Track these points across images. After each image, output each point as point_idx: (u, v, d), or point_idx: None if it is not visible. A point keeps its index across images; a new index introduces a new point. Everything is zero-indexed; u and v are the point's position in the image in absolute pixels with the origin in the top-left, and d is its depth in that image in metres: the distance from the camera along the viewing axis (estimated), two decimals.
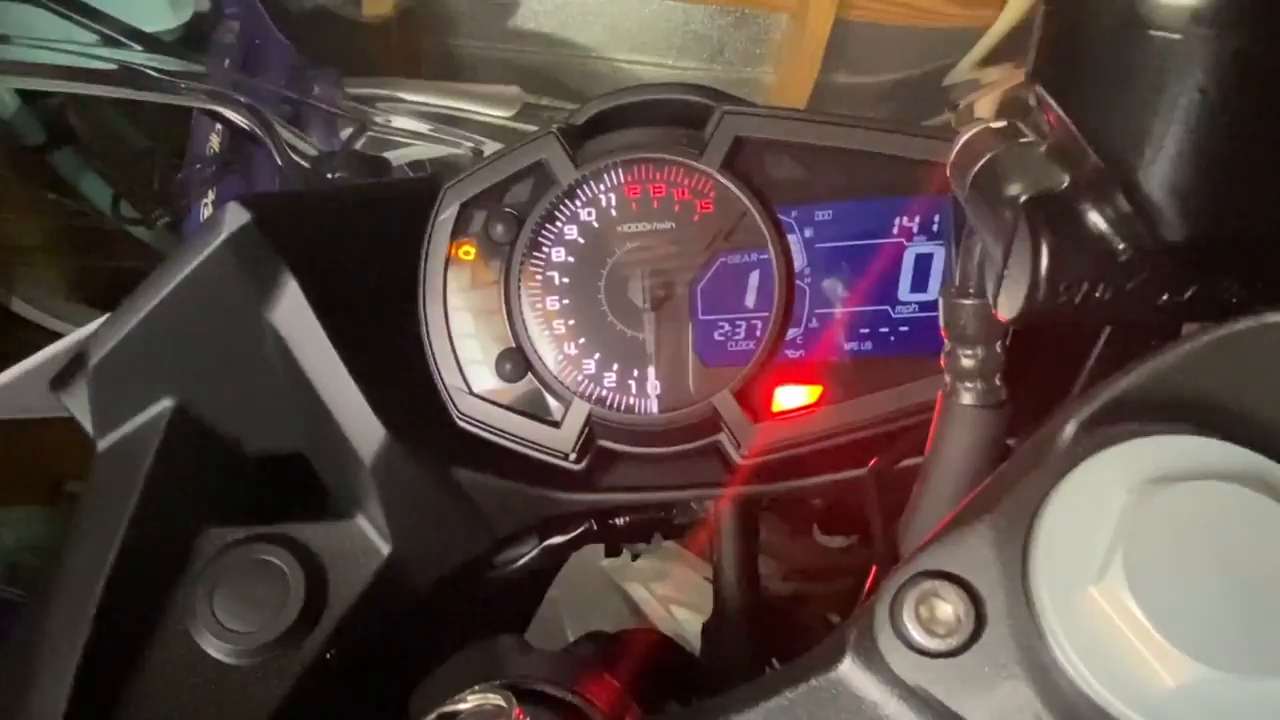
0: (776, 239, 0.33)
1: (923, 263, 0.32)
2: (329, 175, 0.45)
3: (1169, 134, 0.14)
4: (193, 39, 0.96)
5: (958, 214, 0.23)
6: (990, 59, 1.43)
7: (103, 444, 0.35)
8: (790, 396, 0.33)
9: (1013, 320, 0.18)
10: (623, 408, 0.34)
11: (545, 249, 0.34)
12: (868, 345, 0.33)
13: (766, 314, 0.33)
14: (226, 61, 0.79)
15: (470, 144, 0.50)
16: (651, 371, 0.33)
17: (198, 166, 1.05)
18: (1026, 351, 0.24)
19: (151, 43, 0.46)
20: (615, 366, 0.34)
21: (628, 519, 0.40)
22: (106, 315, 0.38)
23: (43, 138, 1.28)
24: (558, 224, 0.34)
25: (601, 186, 0.33)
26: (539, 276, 0.34)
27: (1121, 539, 0.14)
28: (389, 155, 0.69)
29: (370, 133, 0.49)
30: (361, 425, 0.33)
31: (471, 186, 0.34)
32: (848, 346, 0.33)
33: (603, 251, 0.34)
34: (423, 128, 0.47)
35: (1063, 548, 0.15)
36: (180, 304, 0.32)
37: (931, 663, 0.15)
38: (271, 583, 0.33)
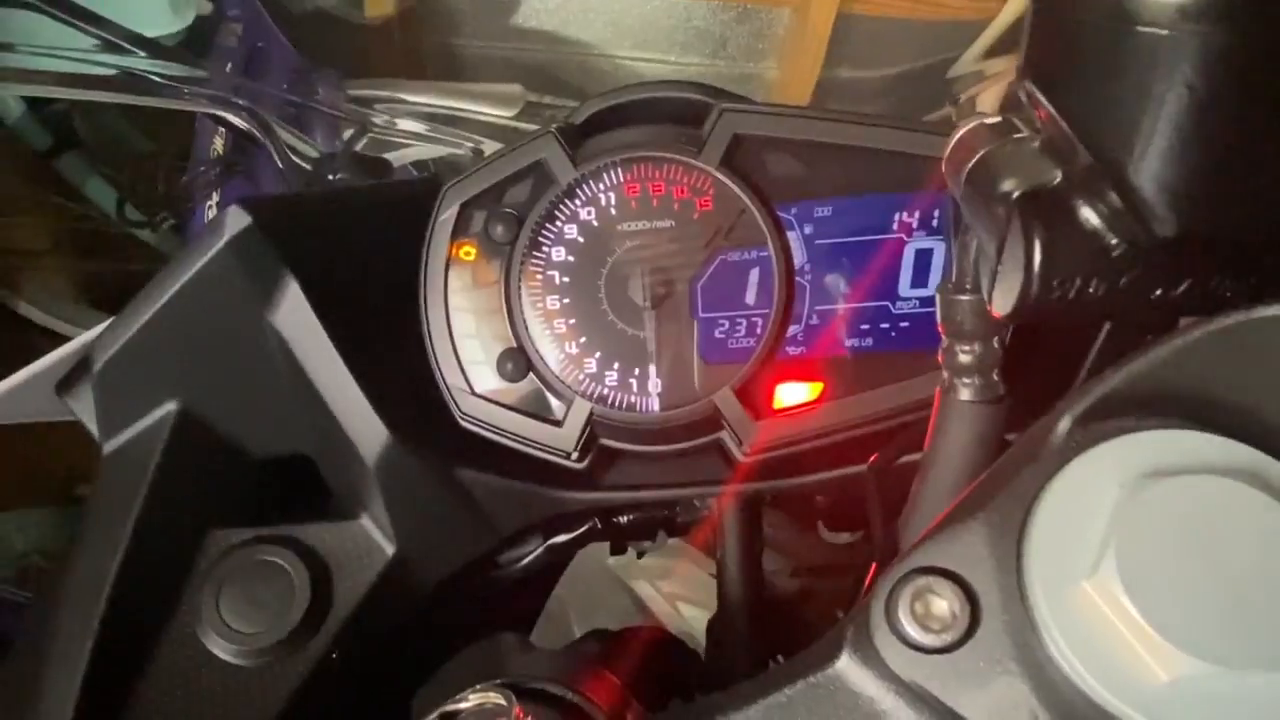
0: (776, 236, 0.33)
1: (923, 258, 0.32)
2: (330, 177, 0.45)
3: (1158, 130, 0.14)
4: (195, 42, 0.97)
5: (955, 209, 0.23)
6: (994, 51, 1.43)
7: (108, 447, 0.35)
8: (791, 393, 0.33)
9: (1008, 316, 0.18)
10: (624, 406, 0.34)
11: (545, 248, 0.34)
12: (869, 341, 0.33)
13: (767, 311, 0.33)
14: (228, 65, 0.79)
15: (471, 144, 0.50)
16: (653, 370, 0.33)
17: (202, 169, 1.05)
18: (1027, 347, 0.24)
19: (153, 47, 0.46)
20: (616, 365, 0.34)
21: (631, 517, 0.40)
22: (110, 319, 0.38)
23: (49, 142, 1.29)
24: (557, 223, 0.34)
25: (601, 185, 0.33)
26: (539, 276, 0.34)
27: (1114, 534, 0.14)
28: (390, 156, 0.69)
29: (371, 134, 0.49)
30: (364, 426, 0.33)
31: (471, 186, 0.34)
32: (848, 343, 0.33)
33: (603, 250, 0.34)
34: (423, 128, 0.47)
35: (1056, 543, 0.15)
36: (183, 307, 0.32)
37: (927, 659, 0.15)
38: (276, 584, 0.33)
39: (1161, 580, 0.14)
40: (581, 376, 0.34)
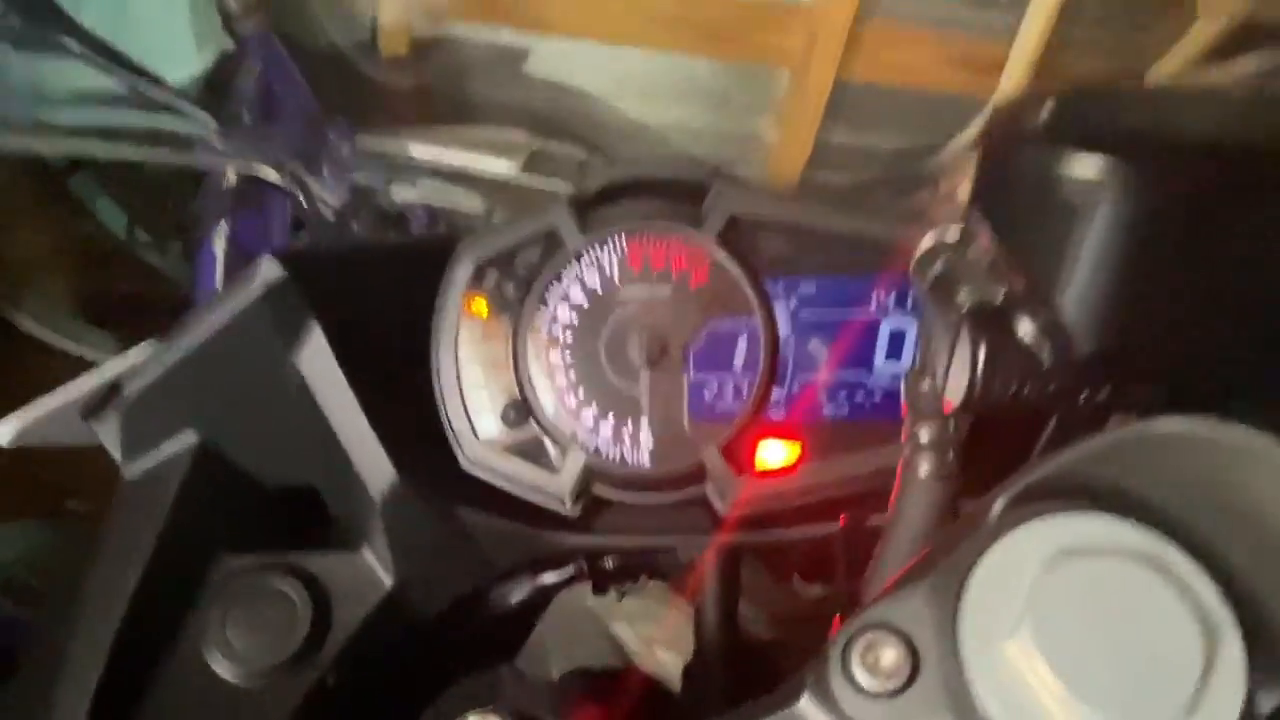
0: (764, 308, 0.36)
1: (896, 335, 0.35)
2: (353, 226, 0.48)
3: (1077, 269, 0.17)
4: (217, 81, 1.00)
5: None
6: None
7: (129, 472, 0.37)
8: (772, 453, 0.36)
9: (958, 408, 0.21)
10: (617, 458, 0.36)
11: (552, 308, 0.37)
12: (845, 409, 0.36)
13: (753, 376, 0.36)
14: (245, 113, 0.82)
15: (479, 200, 0.53)
16: (645, 425, 0.36)
17: (213, 197, 1.08)
18: (986, 430, 0.27)
19: (182, 102, 0.49)
20: (611, 419, 0.36)
21: (617, 561, 0.43)
22: (134, 349, 0.41)
23: (64, 160, 1.32)
24: (564, 285, 0.37)
25: (606, 253, 0.36)
26: (545, 333, 0.36)
27: (1033, 602, 0.17)
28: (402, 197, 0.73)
29: (383, 190, 0.52)
30: (373, 465, 0.36)
31: (486, 246, 0.37)
32: (827, 409, 0.36)
33: (604, 312, 0.37)
34: (431, 185, 0.50)
35: (985, 608, 0.17)
36: (214, 347, 0.35)
37: (874, 702, 0.18)
38: (280, 609, 0.35)
39: (1070, 644, 0.16)
40: (578, 428, 0.36)
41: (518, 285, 0.37)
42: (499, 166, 0.92)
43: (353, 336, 0.36)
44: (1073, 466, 0.18)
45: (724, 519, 0.36)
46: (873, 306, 0.35)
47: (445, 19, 1.50)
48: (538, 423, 0.37)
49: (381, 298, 0.39)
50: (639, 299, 0.36)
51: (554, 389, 0.37)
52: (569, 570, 0.43)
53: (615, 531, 0.38)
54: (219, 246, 1.08)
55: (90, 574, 0.36)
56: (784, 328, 0.36)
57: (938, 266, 0.21)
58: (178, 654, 0.35)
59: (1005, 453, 0.29)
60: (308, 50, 1.27)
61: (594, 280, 0.37)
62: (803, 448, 0.36)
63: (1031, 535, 0.17)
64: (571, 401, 0.36)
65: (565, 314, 0.37)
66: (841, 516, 0.34)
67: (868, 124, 1.66)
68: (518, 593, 0.43)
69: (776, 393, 0.36)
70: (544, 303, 0.37)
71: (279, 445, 0.37)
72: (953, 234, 0.22)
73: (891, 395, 0.35)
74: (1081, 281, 0.16)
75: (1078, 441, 0.18)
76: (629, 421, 0.36)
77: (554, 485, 0.36)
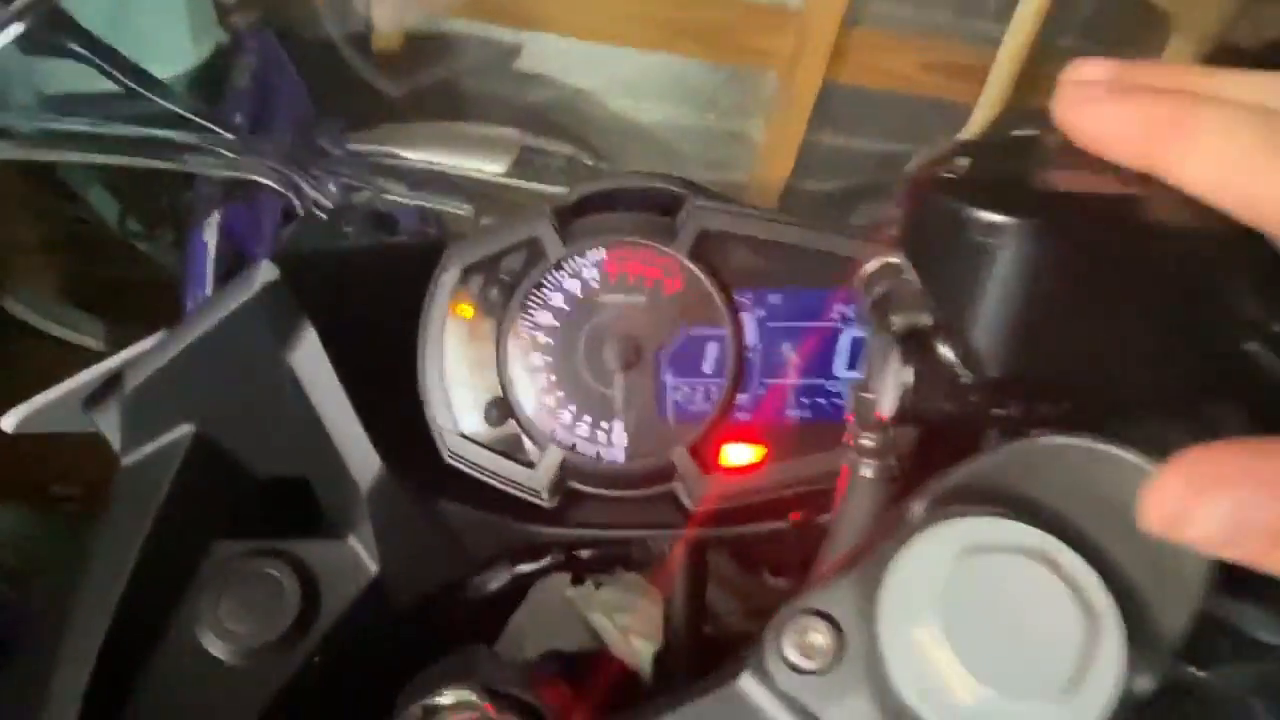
0: (732, 317, 0.38)
1: (856, 344, 0.38)
2: (346, 229, 0.50)
3: (983, 305, 0.19)
4: (212, 74, 1.02)
5: None
6: None
7: (127, 460, 0.39)
8: (738, 453, 0.38)
9: (890, 419, 0.23)
10: (592, 455, 0.38)
11: (533, 312, 0.39)
12: (808, 412, 0.38)
13: (721, 380, 0.38)
14: (240, 107, 0.84)
15: (467, 207, 0.54)
16: (619, 424, 0.38)
17: (205, 189, 1.09)
18: (936, 437, 0.30)
19: (175, 101, 0.51)
20: (587, 418, 0.38)
21: (592, 552, 0.45)
22: (136, 344, 0.43)
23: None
24: (545, 292, 0.39)
25: (585, 262, 0.39)
26: (526, 336, 0.39)
27: (940, 593, 0.19)
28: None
29: (373, 193, 0.54)
30: (360, 457, 0.38)
31: (472, 252, 0.39)
32: (790, 412, 0.38)
33: (583, 317, 0.39)
34: (425, 195, 0.52)
35: (901, 597, 0.19)
36: (211, 344, 0.37)
37: (805, 679, 0.20)
38: (270, 592, 0.37)
39: (970, 629, 0.19)
40: (556, 426, 0.39)
41: (501, 290, 0.39)
42: (488, 165, 0.93)
43: (344, 335, 0.38)
44: (978, 475, 0.21)
45: (692, 514, 0.38)
46: (834, 317, 0.38)
47: (439, 15, 1.51)
48: (518, 420, 0.39)
49: (371, 298, 0.41)
50: (615, 306, 0.38)
51: (534, 388, 0.39)
52: (546, 560, 0.45)
53: (590, 524, 0.40)
54: (210, 236, 1.09)
55: (88, 557, 0.38)
56: (751, 336, 0.38)
57: (878, 289, 0.24)
58: (172, 633, 0.37)
59: (954, 458, 0.31)
60: (302, 43, 1.28)
61: (574, 287, 0.39)
62: (767, 448, 0.38)
63: (942, 534, 0.20)
64: (550, 401, 0.39)
65: (546, 318, 0.39)
66: (793, 514, 0.36)
67: (855, 127, 1.68)
68: (497, 581, 0.45)
69: (743, 396, 0.38)
70: (526, 307, 0.39)
71: (272, 438, 0.39)
72: (894, 259, 0.24)
73: None
74: (987, 315, 0.19)
75: (981, 454, 0.21)
76: (604, 421, 0.38)
77: (532, 479, 0.38)
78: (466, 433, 0.39)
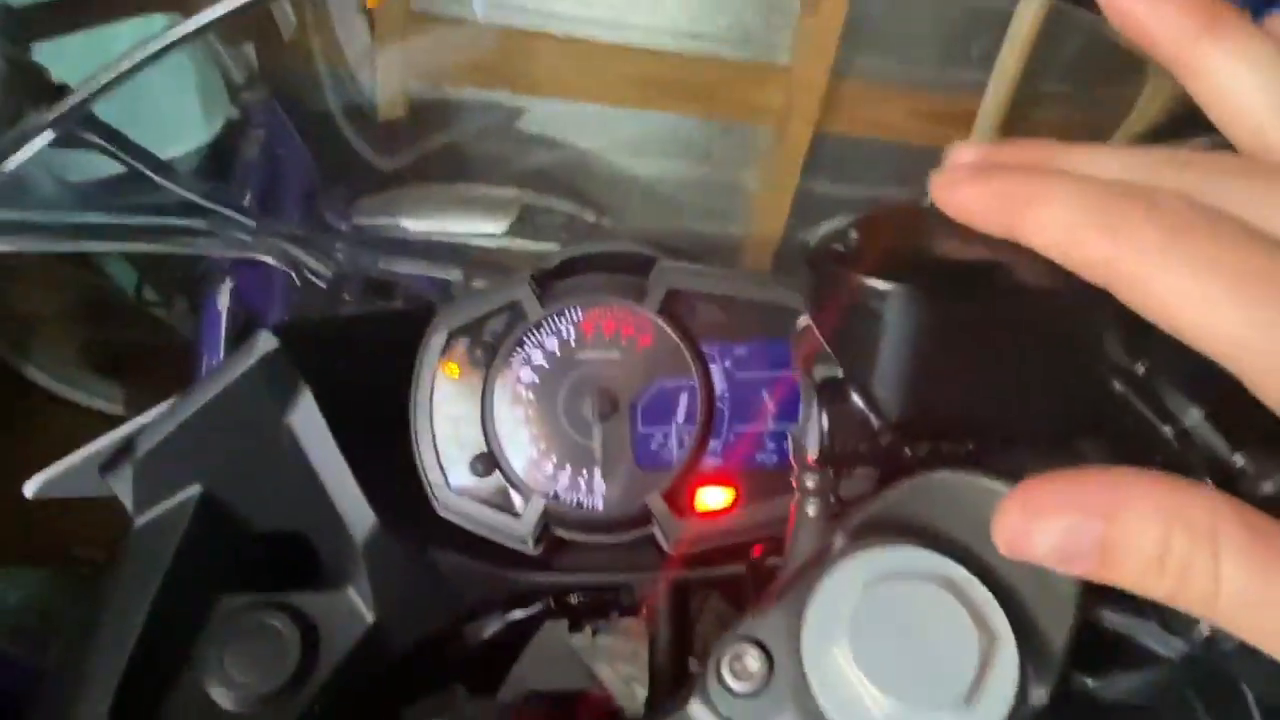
0: (701, 370, 0.40)
1: None
2: (345, 296, 0.53)
3: (877, 360, 0.22)
4: (222, 148, 1.07)
5: None
6: None
7: (139, 521, 0.42)
8: (711, 497, 0.40)
9: (816, 462, 0.26)
10: (574, 503, 0.41)
11: (515, 370, 0.41)
12: (774, 457, 0.41)
13: (692, 428, 0.40)
14: (248, 181, 0.88)
15: (456, 273, 0.57)
16: (598, 473, 0.41)
17: (218, 257, 1.14)
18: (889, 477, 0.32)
19: (187, 183, 0.54)
20: (568, 468, 0.41)
21: (581, 598, 0.47)
22: (151, 410, 0.45)
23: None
24: (527, 350, 0.42)
25: (563, 322, 0.41)
26: (509, 392, 0.41)
27: (853, 617, 0.21)
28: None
29: (373, 261, 0.57)
30: (356, 512, 0.40)
31: (458, 317, 0.42)
32: (760, 457, 0.41)
33: (562, 373, 0.41)
34: (420, 263, 0.55)
35: (821, 622, 0.22)
36: (216, 410, 0.40)
37: (740, 701, 0.22)
38: (273, 643, 0.40)
39: (879, 648, 0.21)
40: (539, 476, 0.41)
41: (485, 350, 0.41)
42: (489, 226, 0.97)
43: (340, 398, 0.41)
44: (886, 509, 0.23)
45: (669, 558, 0.40)
46: (795, 367, 0.40)
47: (442, 83, 1.57)
48: (503, 472, 0.41)
49: (366, 362, 0.43)
50: (592, 361, 0.41)
51: (518, 441, 0.41)
52: (537, 607, 0.47)
53: (574, 570, 0.42)
54: (223, 302, 1.13)
55: (100, 613, 0.40)
56: (719, 386, 0.41)
57: (804, 344, 0.26)
58: (180, 684, 0.39)
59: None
60: (308, 114, 1.34)
61: (552, 345, 0.41)
62: (738, 491, 0.40)
63: (856, 564, 0.22)
64: (533, 452, 0.41)
65: (527, 375, 0.41)
66: (755, 549, 0.38)
67: (847, 175, 1.72)
68: (491, 628, 0.47)
69: (713, 443, 0.41)
70: (509, 366, 0.41)
71: (273, 495, 0.42)
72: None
73: None
74: (882, 369, 0.21)
75: (886, 490, 0.23)
76: (584, 470, 0.41)
77: (517, 528, 0.41)
78: (455, 487, 0.41)
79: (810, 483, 0.27)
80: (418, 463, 0.42)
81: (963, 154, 0.22)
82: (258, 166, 1.00)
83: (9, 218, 0.46)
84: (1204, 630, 0.20)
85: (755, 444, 0.41)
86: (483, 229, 1.01)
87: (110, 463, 0.43)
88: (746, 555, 0.41)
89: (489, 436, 0.41)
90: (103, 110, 0.58)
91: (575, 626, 0.51)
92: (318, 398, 0.40)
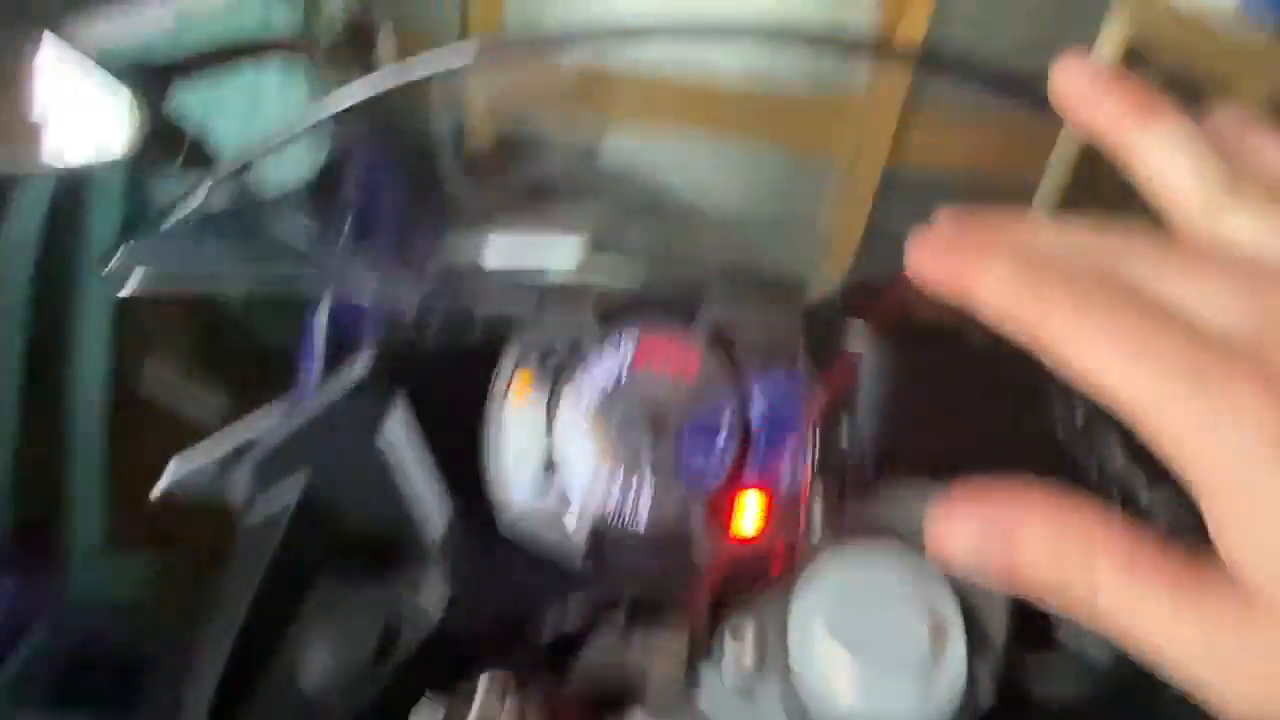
0: (741, 396, 0.45)
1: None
2: (430, 322, 0.59)
3: (860, 398, 0.26)
4: (326, 181, 1.16)
5: None
6: None
7: (250, 519, 0.48)
8: (746, 512, 0.44)
9: (815, 474, 0.30)
10: (623, 519, 0.45)
11: (577, 394, 0.46)
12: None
13: (732, 446, 0.45)
14: (345, 211, 0.96)
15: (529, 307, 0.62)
16: (647, 486, 0.45)
17: (313, 277, 1.23)
18: None
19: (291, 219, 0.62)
20: (620, 480, 0.46)
21: (629, 601, 0.51)
22: (258, 416, 0.52)
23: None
24: (587, 373, 0.47)
25: (620, 351, 0.46)
26: (570, 414, 0.46)
27: (832, 598, 0.25)
28: None
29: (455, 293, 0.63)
30: (436, 512, 0.46)
31: (528, 346, 0.48)
32: (790, 476, 0.45)
33: (618, 397, 0.46)
34: (497, 296, 0.61)
35: (807, 602, 0.25)
36: (321, 422, 0.46)
37: (742, 675, 0.26)
38: (358, 629, 0.45)
39: (852, 624, 0.25)
40: (594, 489, 0.46)
41: (551, 377, 0.47)
42: (563, 259, 1.03)
43: (427, 410, 0.47)
44: (864, 512, 0.27)
45: (707, 565, 0.44)
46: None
47: (526, 119, 1.66)
48: (561, 488, 0.46)
49: (448, 381, 0.49)
50: (645, 385, 0.46)
51: (576, 461, 0.46)
52: (589, 610, 0.51)
53: (623, 577, 0.47)
54: (322, 319, 1.23)
55: (215, 597, 0.46)
56: (758, 409, 0.45)
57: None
58: (280, 660, 0.45)
59: None
60: (402, 151, 1.44)
61: (610, 370, 0.46)
62: (769, 507, 0.44)
63: (837, 556, 0.26)
64: (590, 467, 0.46)
65: (586, 400, 0.46)
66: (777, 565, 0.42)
67: (919, 204, 1.73)
68: (552, 624, 0.52)
69: (751, 463, 0.45)
70: (570, 392, 0.47)
71: (366, 495, 0.48)
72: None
73: None
74: (863, 405, 0.25)
75: (866, 498, 0.27)
76: (634, 482, 0.45)
77: (571, 535, 0.46)
78: (518, 505, 0.47)
79: (815, 490, 0.31)
80: (488, 479, 0.47)
81: (942, 218, 0.26)
82: (356, 200, 1.09)
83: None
84: None
85: (788, 464, 0.45)
86: (558, 261, 1.07)
87: (226, 465, 0.50)
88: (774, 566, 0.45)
89: (552, 455, 0.46)
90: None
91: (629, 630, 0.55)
92: (408, 412, 0.45)
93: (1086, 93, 0.25)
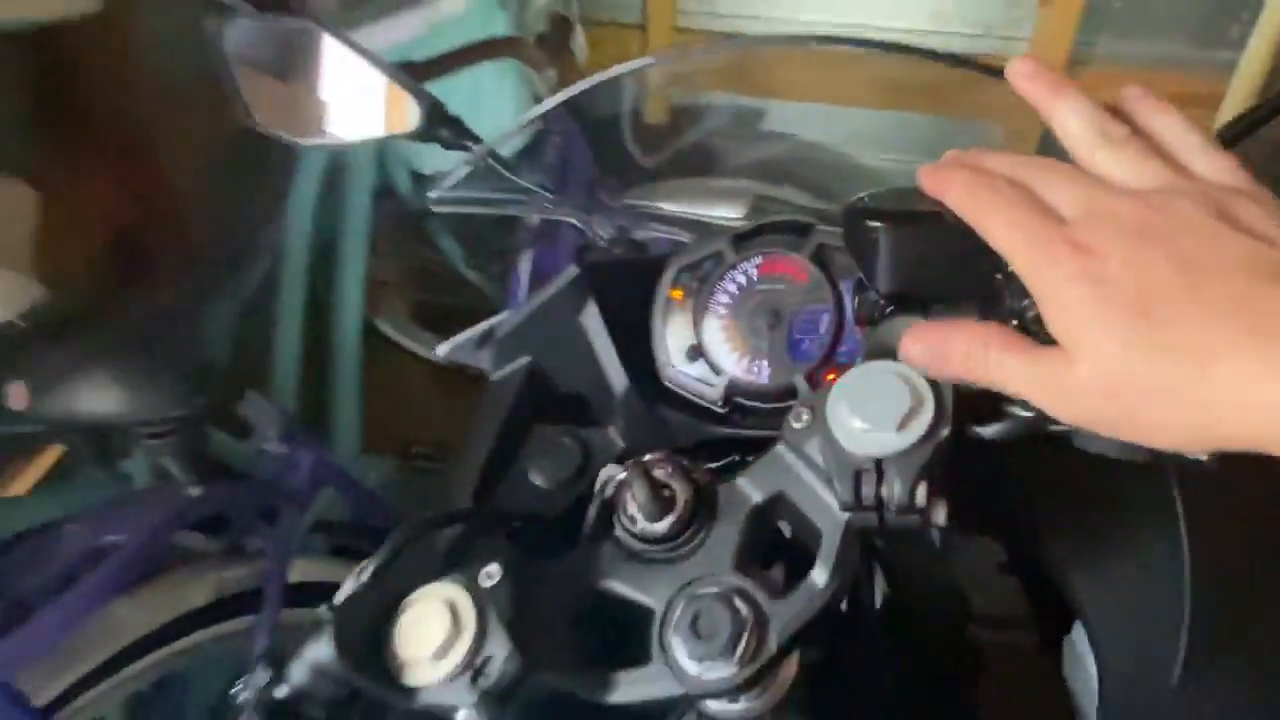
0: (836, 298, 0.62)
1: None
2: (615, 251, 0.80)
3: (877, 264, 0.43)
4: (532, 149, 1.41)
5: None
6: None
7: (494, 378, 0.71)
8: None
9: (860, 313, 0.47)
10: (748, 380, 0.64)
11: (717, 294, 0.65)
12: None
13: (828, 336, 0.62)
14: (548, 173, 1.20)
15: (689, 238, 0.81)
16: (764, 362, 0.63)
17: (522, 235, 1.49)
18: None
19: (511, 171, 0.85)
20: (747, 358, 0.64)
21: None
22: (506, 312, 0.74)
23: (426, 208, 1.83)
24: (725, 283, 0.65)
25: (749, 264, 0.64)
26: (711, 308, 0.65)
27: (851, 390, 0.42)
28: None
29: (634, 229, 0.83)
30: (617, 377, 0.66)
31: (682, 260, 0.67)
32: None
33: (747, 297, 0.64)
34: (667, 231, 0.80)
35: (837, 393, 0.43)
36: (541, 311, 0.67)
37: (799, 431, 0.44)
38: (565, 457, 0.66)
39: (859, 399, 0.41)
40: (728, 363, 0.64)
41: (700, 280, 0.66)
42: (729, 212, 1.21)
43: (612, 305, 0.67)
44: (876, 339, 0.43)
45: None
46: None
47: (698, 89, 1.84)
48: (705, 359, 0.65)
49: (627, 285, 0.69)
50: (766, 290, 0.64)
51: (716, 340, 0.65)
52: (728, 456, 0.70)
53: (750, 427, 0.65)
54: (524, 270, 1.48)
55: (474, 426, 0.69)
56: (847, 309, 0.62)
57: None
58: (513, 473, 0.67)
59: None
60: (592, 122, 1.66)
61: (741, 279, 0.65)
62: None
63: (855, 371, 0.43)
64: (726, 348, 0.64)
65: (725, 299, 0.65)
66: None
67: None
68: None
69: (841, 347, 0.62)
70: (713, 292, 0.65)
71: (570, 366, 0.68)
72: None
73: None
74: (882, 264, 0.42)
75: (876, 330, 0.44)
76: (757, 360, 0.63)
77: (712, 394, 0.64)
78: (676, 366, 0.66)
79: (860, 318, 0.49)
80: (655, 351, 0.67)
81: (948, 156, 0.42)
82: (555, 163, 1.32)
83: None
84: None
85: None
86: (724, 214, 1.25)
87: (480, 341, 0.72)
88: None
89: (698, 336, 0.65)
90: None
91: None
92: (599, 306, 0.66)
93: (1026, 80, 0.41)
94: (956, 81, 1.76)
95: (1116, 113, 0.41)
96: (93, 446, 1.03)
